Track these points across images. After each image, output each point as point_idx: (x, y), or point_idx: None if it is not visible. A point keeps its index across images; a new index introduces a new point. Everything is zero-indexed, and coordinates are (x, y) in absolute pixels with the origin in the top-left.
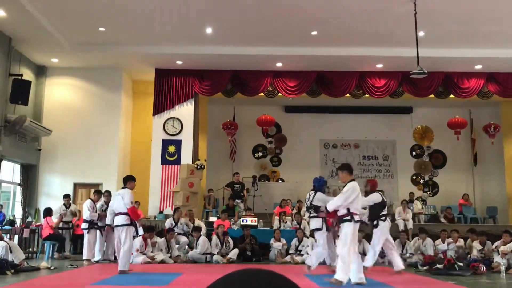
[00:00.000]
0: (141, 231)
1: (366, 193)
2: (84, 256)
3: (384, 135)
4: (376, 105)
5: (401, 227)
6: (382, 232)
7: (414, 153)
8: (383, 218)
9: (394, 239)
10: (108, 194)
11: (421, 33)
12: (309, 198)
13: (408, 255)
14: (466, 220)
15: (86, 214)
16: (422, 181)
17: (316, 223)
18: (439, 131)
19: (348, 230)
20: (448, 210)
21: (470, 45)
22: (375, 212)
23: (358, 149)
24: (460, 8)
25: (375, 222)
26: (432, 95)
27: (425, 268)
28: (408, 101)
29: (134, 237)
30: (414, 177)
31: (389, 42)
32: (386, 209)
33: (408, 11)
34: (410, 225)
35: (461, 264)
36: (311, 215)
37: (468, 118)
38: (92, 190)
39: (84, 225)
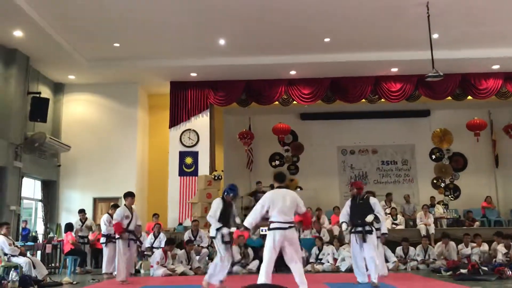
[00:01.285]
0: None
1: (353, 197)
2: (104, 270)
3: (402, 139)
4: (393, 109)
5: (423, 232)
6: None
7: (433, 157)
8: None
9: (416, 244)
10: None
11: (435, 35)
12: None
13: (431, 260)
14: (490, 223)
15: (103, 229)
16: (443, 185)
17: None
18: (459, 133)
19: (267, 239)
20: (469, 214)
21: (486, 45)
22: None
23: (377, 154)
24: (474, 9)
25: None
26: (449, 97)
27: (448, 273)
28: (425, 104)
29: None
30: (435, 181)
31: (403, 45)
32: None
33: (420, 13)
34: (432, 229)
35: (486, 268)
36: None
37: (487, 119)
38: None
39: (102, 239)
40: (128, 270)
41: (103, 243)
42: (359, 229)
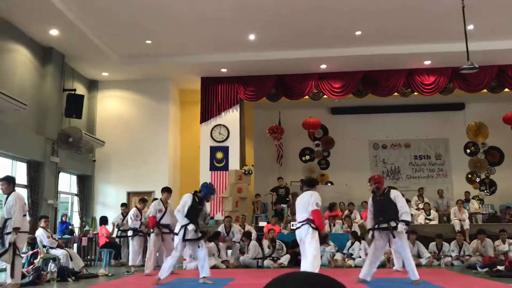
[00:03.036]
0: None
1: (374, 193)
2: (130, 263)
3: (436, 133)
4: (426, 102)
5: (457, 228)
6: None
7: (468, 151)
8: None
9: (450, 240)
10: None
11: (470, 27)
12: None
13: (466, 257)
14: None
15: (129, 222)
16: (478, 180)
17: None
18: (495, 127)
19: None
20: (508, 210)
21: None
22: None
23: (409, 148)
24: None
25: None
26: (485, 90)
27: (484, 270)
28: (459, 97)
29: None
30: (469, 176)
31: (437, 37)
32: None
33: (455, 4)
34: (466, 225)
35: None
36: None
37: None
38: (147, 198)
39: (129, 233)
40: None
41: (129, 236)
42: (384, 225)
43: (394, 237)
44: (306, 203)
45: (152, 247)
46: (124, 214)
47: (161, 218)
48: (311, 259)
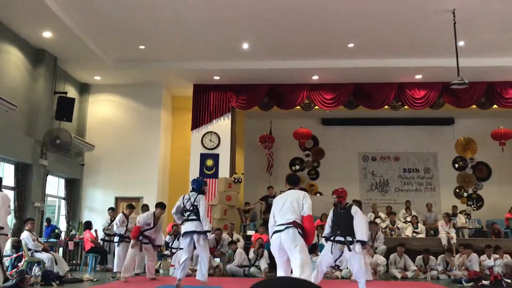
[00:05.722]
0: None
1: (335, 206)
2: (115, 269)
3: (425, 147)
4: (416, 116)
5: (444, 242)
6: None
7: (456, 166)
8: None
9: (437, 254)
10: (146, 208)
11: (461, 43)
12: (189, 199)
13: (453, 271)
14: None
15: (115, 228)
16: (465, 194)
17: (196, 225)
18: (483, 143)
19: None
20: (495, 225)
21: None
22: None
23: (398, 161)
24: (500, 16)
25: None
26: (474, 106)
27: (470, 284)
28: (449, 112)
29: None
30: (457, 190)
31: (428, 52)
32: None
33: (446, 20)
34: (453, 239)
35: (509, 280)
36: (190, 217)
37: None
38: (135, 204)
39: (115, 238)
40: (150, 270)
41: (115, 242)
42: (340, 238)
43: (349, 250)
44: (295, 203)
45: (130, 253)
46: (112, 219)
47: (148, 230)
48: (301, 268)
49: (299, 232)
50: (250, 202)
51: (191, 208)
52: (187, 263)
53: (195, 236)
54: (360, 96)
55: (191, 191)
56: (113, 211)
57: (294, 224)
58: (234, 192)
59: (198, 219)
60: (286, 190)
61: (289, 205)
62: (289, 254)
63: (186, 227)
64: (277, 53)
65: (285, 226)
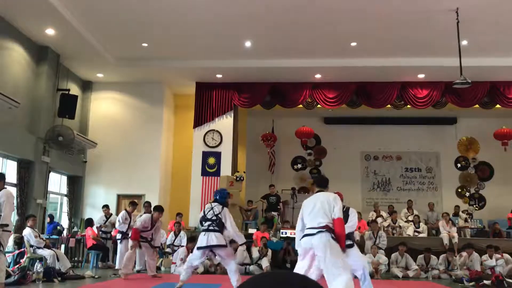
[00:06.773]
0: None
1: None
2: (117, 266)
3: (427, 147)
4: (419, 115)
5: (445, 241)
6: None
7: (459, 165)
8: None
9: (439, 253)
10: (148, 205)
11: (464, 42)
12: (211, 208)
13: (454, 271)
14: None
15: (117, 225)
16: (467, 194)
17: (215, 238)
18: (486, 142)
19: None
20: (496, 225)
21: None
22: None
23: (401, 161)
24: (504, 16)
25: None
26: (477, 105)
27: (471, 284)
28: (452, 111)
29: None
30: (459, 190)
31: (431, 51)
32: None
33: (449, 20)
34: (455, 239)
35: (511, 280)
36: (210, 228)
37: None
38: (137, 202)
39: (118, 236)
40: (150, 268)
41: (118, 239)
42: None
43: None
44: (327, 205)
45: (130, 251)
46: (108, 216)
47: (145, 231)
48: (344, 279)
49: (332, 237)
50: (252, 200)
51: (214, 218)
52: (191, 270)
53: (211, 252)
54: (363, 95)
55: (213, 202)
56: (107, 208)
57: (327, 228)
58: (236, 190)
59: (219, 230)
60: (314, 192)
61: (319, 208)
62: (323, 268)
63: (202, 241)
64: (280, 52)
65: (317, 230)
